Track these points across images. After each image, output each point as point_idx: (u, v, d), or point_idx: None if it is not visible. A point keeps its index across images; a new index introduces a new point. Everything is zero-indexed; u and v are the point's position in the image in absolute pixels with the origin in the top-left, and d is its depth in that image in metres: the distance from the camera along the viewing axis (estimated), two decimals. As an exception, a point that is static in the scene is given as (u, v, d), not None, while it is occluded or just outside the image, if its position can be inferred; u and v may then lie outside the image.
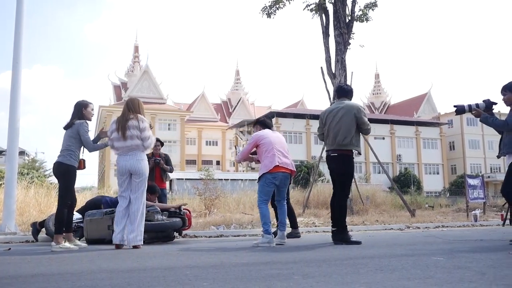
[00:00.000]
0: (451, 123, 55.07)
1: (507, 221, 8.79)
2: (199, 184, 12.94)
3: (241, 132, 52.32)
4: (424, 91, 66.70)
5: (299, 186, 18.36)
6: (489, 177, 46.86)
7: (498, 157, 5.06)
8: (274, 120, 44.81)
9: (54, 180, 18.24)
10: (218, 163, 63.68)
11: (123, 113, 5.12)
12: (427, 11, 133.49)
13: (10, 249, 4.93)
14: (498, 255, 3.61)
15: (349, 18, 12.94)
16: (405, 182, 44.13)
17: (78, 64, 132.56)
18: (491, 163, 54.19)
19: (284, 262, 3.41)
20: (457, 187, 41.22)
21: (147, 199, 5.32)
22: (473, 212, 11.18)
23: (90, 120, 5.26)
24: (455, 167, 55.41)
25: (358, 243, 4.95)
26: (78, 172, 5.16)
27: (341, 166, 5.14)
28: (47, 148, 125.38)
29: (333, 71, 12.61)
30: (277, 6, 13.89)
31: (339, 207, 5.13)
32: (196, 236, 6.97)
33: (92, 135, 5.24)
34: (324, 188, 14.44)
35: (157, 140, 7.34)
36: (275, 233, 5.44)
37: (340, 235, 5.02)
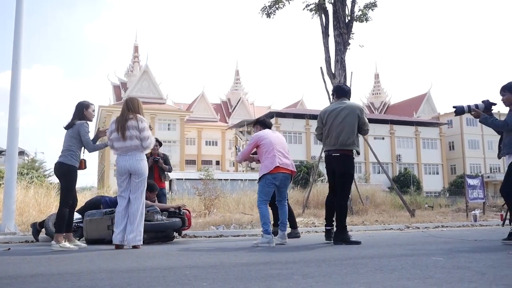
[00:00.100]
0: (451, 123, 55.09)
1: (507, 221, 8.79)
2: (199, 184, 12.94)
3: (241, 132, 52.32)
4: (424, 91, 66.81)
5: (299, 186, 18.36)
6: (488, 177, 46.88)
7: (499, 157, 5.06)
8: (273, 120, 44.84)
9: (53, 180, 18.28)
10: (217, 163, 63.67)
11: (122, 113, 5.12)
12: (427, 11, 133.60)
13: (9, 249, 4.93)
14: (498, 255, 3.61)
15: (349, 18, 12.94)
16: (404, 182, 44.15)
17: (78, 64, 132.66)
18: (490, 163, 54.21)
19: (284, 262, 3.41)
20: (457, 187, 41.24)
21: (145, 197, 5.32)
22: (473, 212, 11.18)
23: (91, 121, 5.30)
24: (454, 167, 55.42)
25: (357, 243, 4.95)
26: (79, 172, 5.18)
27: (343, 166, 5.13)
28: (47, 148, 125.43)
29: (333, 71, 12.61)
30: (277, 6, 13.88)
31: (339, 207, 5.12)
32: (195, 236, 6.96)
33: (92, 135, 5.25)
34: (323, 188, 14.43)
35: (156, 140, 7.34)
36: (274, 233, 5.45)
37: (340, 235, 5.03)
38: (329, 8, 13.18)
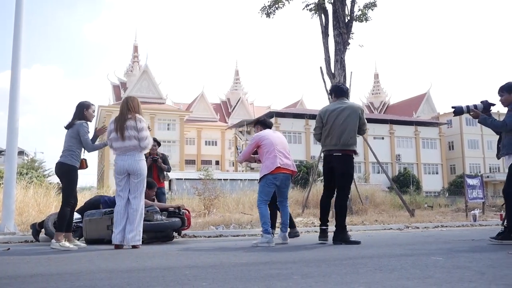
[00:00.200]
0: (450, 123, 55.10)
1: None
2: (199, 184, 12.94)
3: (241, 132, 52.30)
4: (423, 91, 66.82)
5: (298, 186, 18.34)
6: (488, 177, 46.89)
7: (498, 158, 5.07)
8: (273, 120, 44.84)
9: (53, 180, 18.28)
10: (217, 163, 63.67)
11: (121, 112, 5.11)
12: (426, 11, 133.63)
13: (9, 249, 4.93)
14: (497, 255, 3.61)
15: (349, 18, 12.94)
16: (404, 182, 44.14)
17: (77, 64, 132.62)
18: (490, 163, 54.22)
19: (283, 262, 3.41)
20: (456, 187, 41.26)
21: (145, 195, 5.33)
22: (472, 212, 11.19)
23: (91, 121, 5.32)
24: (454, 167, 55.43)
25: (357, 243, 4.96)
26: (79, 171, 5.20)
27: (344, 166, 5.12)
28: (46, 148, 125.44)
29: (333, 71, 12.61)
30: (277, 6, 13.88)
31: (340, 207, 5.13)
32: (195, 236, 6.97)
33: (91, 135, 5.26)
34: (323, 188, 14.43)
35: (155, 140, 7.34)
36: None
37: (340, 235, 5.03)
38: (329, 8, 13.20)
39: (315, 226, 8.67)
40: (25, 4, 7.68)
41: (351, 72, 12.65)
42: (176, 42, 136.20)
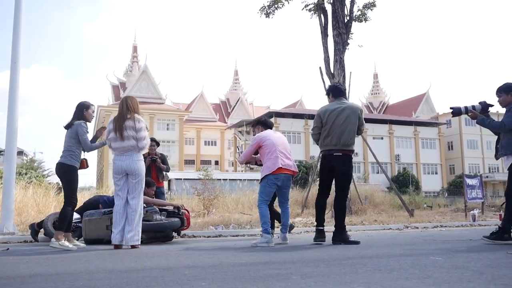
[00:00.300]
0: (450, 123, 55.13)
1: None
2: (198, 184, 12.95)
3: (240, 132, 52.29)
4: (423, 91, 66.88)
5: (298, 186, 18.34)
6: (487, 177, 46.91)
7: (496, 158, 5.07)
8: (272, 120, 44.83)
9: (52, 180, 18.26)
10: (216, 163, 63.65)
11: (120, 112, 5.11)
12: (426, 11, 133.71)
13: (8, 249, 4.93)
14: (496, 255, 3.61)
15: (348, 18, 12.95)
16: (403, 182, 44.14)
17: (77, 64, 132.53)
18: (489, 163, 54.25)
19: (283, 262, 3.41)
20: (456, 187, 41.27)
21: (144, 193, 5.34)
22: (472, 212, 11.19)
23: (90, 121, 5.33)
24: (453, 167, 55.46)
25: (356, 243, 4.96)
26: (79, 171, 5.20)
27: (344, 166, 5.12)
28: (46, 148, 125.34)
29: (332, 71, 12.62)
30: (276, 6, 13.89)
31: (339, 207, 5.12)
32: (194, 236, 6.97)
33: (91, 135, 5.27)
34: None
35: (153, 140, 7.35)
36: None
37: (339, 235, 5.02)
38: (328, 8, 13.20)
39: (314, 226, 8.66)
40: (25, 4, 7.69)
41: (351, 72, 12.67)
42: (176, 42, 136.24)
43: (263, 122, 5.79)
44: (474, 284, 2.28)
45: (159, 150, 7.72)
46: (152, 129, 49.34)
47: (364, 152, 46.56)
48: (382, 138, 51.30)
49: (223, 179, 18.05)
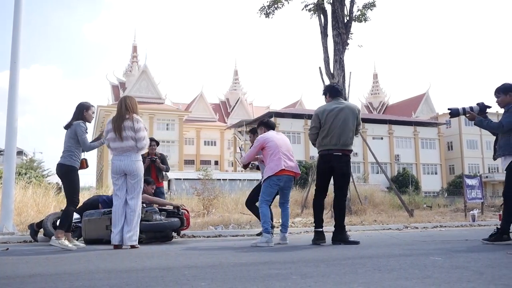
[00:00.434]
0: (449, 123, 55.15)
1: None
2: (198, 184, 12.93)
3: (240, 132, 52.29)
4: (422, 91, 66.92)
5: (298, 186, 18.34)
6: (487, 177, 46.94)
7: (494, 159, 5.09)
8: (272, 120, 44.75)
9: (52, 180, 18.24)
10: (216, 163, 63.64)
11: (118, 112, 5.10)
12: (425, 11, 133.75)
13: (8, 249, 4.92)
14: (496, 255, 3.62)
15: (348, 18, 12.94)
16: (403, 182, 44.17)
17: (76, 64, 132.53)
18: (489, 163, 54.26)
19: (283, 262, 3.41)
20: (455, 187, 41.28)
21: (143, 191, 5.33)
22: (471, 212, 11.18)
23: (90, 122, 5.34)
24: (453, 167, 55.48)
25: (356, 243, 4.96)
26: (79, 171, 5.21)
27: (344, 166, 5.12)
28: (46, 148, 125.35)
29: (332, 71, 12.61)
30: (276, 6, 13.88)
31: (339, 207, 5.13)
32: (194, 236, 6.96)
33: (90, 134, 5.28)
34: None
35: (153, 140, 7.34)
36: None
37: (339, 235, 5.03)
38: (328, 8, 13.19)
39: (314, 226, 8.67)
40: (24, 4, 7.68)
41: (350, 72, 12.67)
42: (175, 42, 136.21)
43: (266, 123, 5.82)
44: (474, 284, 2.28)
45: (159, 150, 7.71)
46: (152, 129, 49.33)
47: (364, 152, 46.56)
48: (381, 138, 51.32)
49: (222, 179, 18.04)
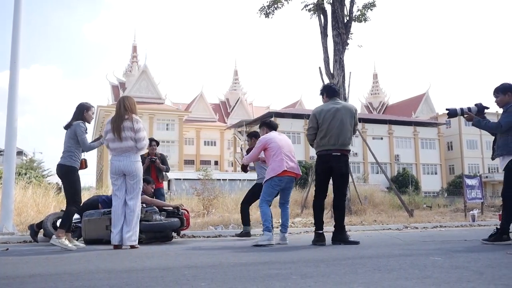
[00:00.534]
0: (449, 123, 55.14)
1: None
2: (198, 184, 12.93)
3: (240, 132, 52.29)
4: (422, 91, 66.90)
5: (297, 186, 18.34)
6: (487, 177, 46.93)
7: (492, 159, 5.10)
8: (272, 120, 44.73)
9: (52, 180, 18.23)
10: (216, 163, 63.63)
11: (117, 112, 5.10)
12: (425, 12, 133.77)
13: (8, 249, 4.93)
14: (496, 255, 3.62)
15: (347, 18, 12.94)
16: (403, 182, 44.15)
17: (76, 64, 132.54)
18: (489, 163, 54.22)
19: (283, 262, 3.41)
20: (455, 187, 41.28)
21: (143, 190, 5.33)
22: (471, 212, 11.18)
23: (89, 123, 5.34)
24: (453, 167, 55.48)
25: (356, 243, 4.96)
26: (79, 171, 5.22)
27: (342, 166, 5.11)
28: (46, 148, 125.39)
29: (331, 71, 12.61)
30: (275, 6, 13.88)
31: (339, 207, 5.13)
32: (194, 236, 6.96)
33: (90, 134, 5.28)
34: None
35: (153, 140, 7.34)
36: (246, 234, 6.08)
37: (339, 235, 5.03)
38: (328, 8, 13.19)
39: (314, 226, 8.66)
40: (24, 4, 7.68)
41: (350, 72, 12.67)
42: (175, 42, 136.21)
43: (268, 124, 5.84)
44: (474, 284, 2.28)
45: (159, 150, 7.71)
46: (152, 129, 49.33)
47: (364, 152, 46.54)
48: (381, 138, 51.32)
49: (222, 179, 18.04)
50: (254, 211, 9.93)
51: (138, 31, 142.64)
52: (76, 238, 5.60)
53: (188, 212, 6.42)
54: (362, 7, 13.57)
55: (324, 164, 5.16)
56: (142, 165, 5.53)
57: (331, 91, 5.34)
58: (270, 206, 5.44)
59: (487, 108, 4.98)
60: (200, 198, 11.75)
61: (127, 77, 57.81)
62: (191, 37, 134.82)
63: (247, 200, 6.68)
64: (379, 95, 71.20)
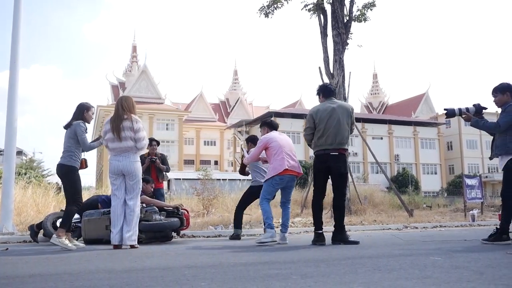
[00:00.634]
0: (449, 123, 55.13)
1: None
2: (197, 184, 12.94)
3: (239, 132, 52.29)
4: (422, 91, 66.92)
5: (297, 186, 18.34)
6: (486, 177, 46.90)
7: (491, 158, 5.10)
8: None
9: (52, 180, 18.23)
10: (216, 163, 63.63)
11: (116, 112, 5.09)
12: (425, 11, 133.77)
13: (7, 249, 4.93)
14: (496, 255, 3.62)
15: (347, 18, 12.95)
16: (403, 182, 44.12)
17: (76, 64, 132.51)
18: (488, 163, 54.25)
19: (283, 262, 3.41)
20: (455, 187, 41.27)
21: (143, 190, 5.32)
22: (471, 212, 11.18)
23: (89, 123, 5.34)
24: (453, 167, 55.48)
25: (356, 243, 4.96)
26: (79, 171, 5.22)
27: (341, 165, 5.11)
28: (45, 148, 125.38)
29: (331, 71, 12.62)
30: (275, 6, 13.88)
31: (339, 207, 5.12)
32: (194, 236, 6.96)
33: (90, 134, 5.28)
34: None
35: (154, 140, 7.33)
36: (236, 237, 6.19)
37: (339, 235, 5.03)
38: (328, 8, 13.20)
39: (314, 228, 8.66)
40: (24, 4, 7.69)
41: (350, 72, 12.67)
42: (175, 42, 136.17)
43: (269, 124, 5.87)
44: (474, 284, 2.28)
45: (159, 150, 7.70)
46: (152, 129, 49.32)
47: (364, 152, 46.51)
48: (381, 138, 51.31)
49: (222, 179, 18.04)
50: (254, 211, 9.94)
51: (138, 31, 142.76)
52: (76, 238, 5.61)
53: (188, 212, 6.42)
54: (362, 7, 13.58)
55: (322, 163, 5.16)
56: (142, 165, 5.53)
57: (327, 91, 5.35)
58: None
59: (485, 108, 4.99)
60: (200, 198, 11.76)
61: (127, 77, 57.80)
62: (190, 37, 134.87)
63: (242, 204, 6.60)
64: (379, 95, 71.20)
